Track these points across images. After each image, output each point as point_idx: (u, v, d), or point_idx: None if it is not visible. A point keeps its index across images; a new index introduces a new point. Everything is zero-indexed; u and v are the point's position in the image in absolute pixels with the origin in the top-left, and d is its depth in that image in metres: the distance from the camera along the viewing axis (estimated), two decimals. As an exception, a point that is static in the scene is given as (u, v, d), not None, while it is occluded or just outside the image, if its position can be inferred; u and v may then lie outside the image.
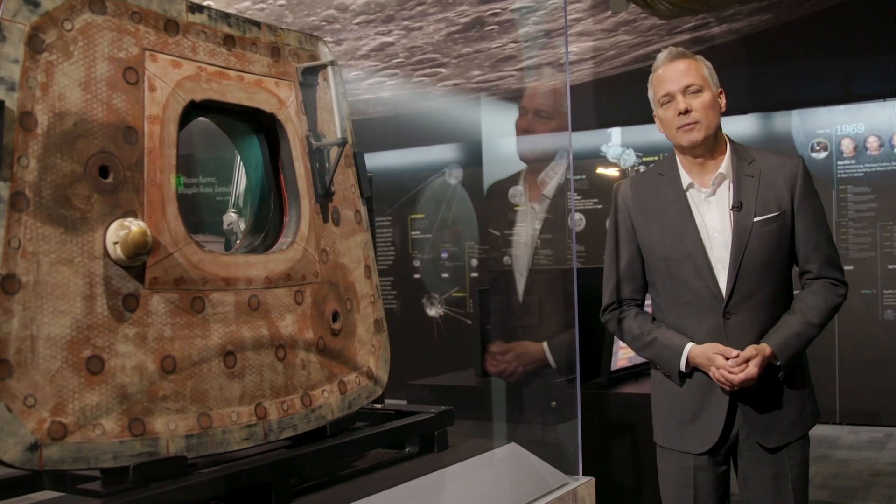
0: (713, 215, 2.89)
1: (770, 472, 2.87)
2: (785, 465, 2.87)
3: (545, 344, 3.67)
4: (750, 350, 2.76)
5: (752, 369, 2.74)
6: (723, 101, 2.94)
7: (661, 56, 2.95)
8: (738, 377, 2.74)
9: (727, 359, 2.76)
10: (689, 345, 2.85)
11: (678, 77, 2.89)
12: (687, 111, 2.86)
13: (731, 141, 2.96)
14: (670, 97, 2.89)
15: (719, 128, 2.92)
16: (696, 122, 2.85)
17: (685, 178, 2.94)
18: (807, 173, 2.90)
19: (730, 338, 2.81)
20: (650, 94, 3.00)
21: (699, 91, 2.87)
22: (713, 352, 2.79)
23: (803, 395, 2.91)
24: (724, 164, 2.90)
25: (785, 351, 2.79)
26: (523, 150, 4.11)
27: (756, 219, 2.83)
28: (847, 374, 8.59)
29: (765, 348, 2.77)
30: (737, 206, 2.85)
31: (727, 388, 2.80)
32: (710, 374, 2.80)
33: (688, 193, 2.92)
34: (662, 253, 2.93)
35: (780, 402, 2.85)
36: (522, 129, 3.99)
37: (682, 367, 2.87)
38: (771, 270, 2.85)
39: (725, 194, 2.89)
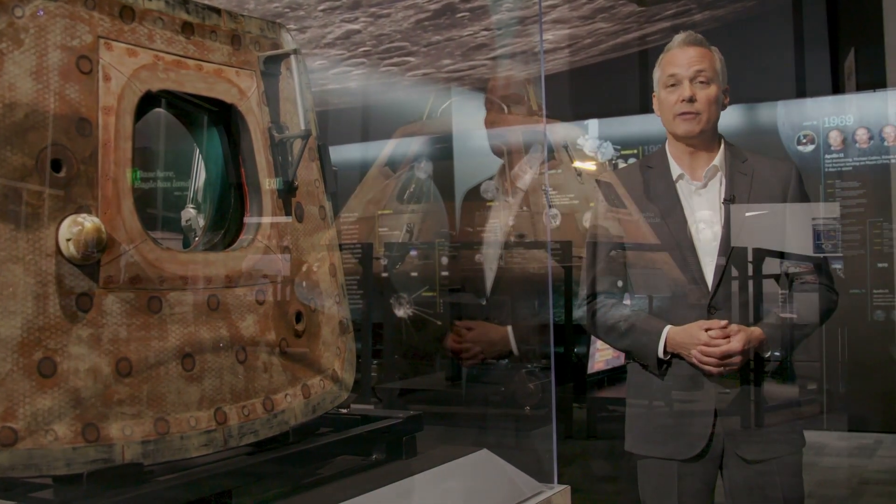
0: (703, 207, 2.93)
1: (757, 483, 2.89)
2: (775, 478, 2.89)
3: (509, 328, 3.70)
4: (735, 326, 2.77)
5: (735, 344, 2.74)
6: (726, 100, 2.98)
7: (678, 38, 2.99)
8: (719, 349, 2.74)
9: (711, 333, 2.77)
10: (668, 326, 2.85)
11: (690, 62, 2.92)
12: (691, 100, 2.89)
13: (724, 139, 3.01)
14: (677, 80, 2.93)
15: (716, 123, 2.97)
16: (696, 114, 2.89)
17: (675, 169, 2.98)
18: (800, 178, 2.97)
19: None
20: (656, 73, 3.03)
21: (707, 82, 2.91)
22: (697, 327, 2.80)
23: (792, 410, 2.94)
24: (718, 157, 2.95)
25: (774, 340, 2.81)
26: (496, 144, 4.13)
27: (748, 214, 2.88)
28: (835, 377, 8.66)
29: (754, 330, 2.78)
30: (729, 199, 2.90)
31: (712, 371, 2.80)
32: (692, 356, 2.80)
33: (677, 184, 2.96)
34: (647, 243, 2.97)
35: (764, 413, 2.89)
36: (491, 123, 4.03)
37: (661, 352, 2.88)
38: (759, 269, 2.89)
39: (717, 188, 2.94)
